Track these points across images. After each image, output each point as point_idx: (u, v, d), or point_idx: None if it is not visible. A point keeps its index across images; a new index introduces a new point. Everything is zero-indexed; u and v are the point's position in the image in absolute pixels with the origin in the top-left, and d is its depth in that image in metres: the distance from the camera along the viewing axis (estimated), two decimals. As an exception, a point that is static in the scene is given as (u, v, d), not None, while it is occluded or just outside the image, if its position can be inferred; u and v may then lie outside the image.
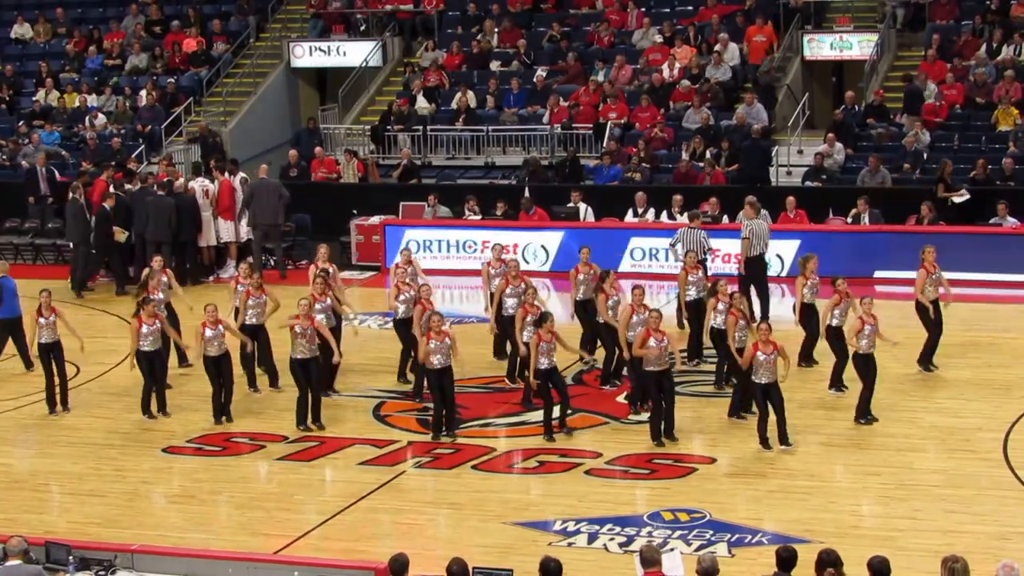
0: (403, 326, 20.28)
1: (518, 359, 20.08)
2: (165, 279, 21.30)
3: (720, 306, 19.16)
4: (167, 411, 19.64)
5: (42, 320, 19.79)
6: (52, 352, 19.86)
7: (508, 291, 20.31)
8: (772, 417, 17.48)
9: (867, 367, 18.30)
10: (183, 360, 21.07)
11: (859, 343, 18.25)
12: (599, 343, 20.46)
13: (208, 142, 32.46)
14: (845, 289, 19.30)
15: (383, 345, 21.81)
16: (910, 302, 20.53)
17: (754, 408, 17.90)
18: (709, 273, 22.23)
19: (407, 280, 20.65)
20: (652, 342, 17.74)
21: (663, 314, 18.43)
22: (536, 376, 18.15)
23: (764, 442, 17.55)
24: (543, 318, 18.27)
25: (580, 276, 20.81)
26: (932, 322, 20.29)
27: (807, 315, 20.27)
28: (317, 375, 18.99)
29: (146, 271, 21.67)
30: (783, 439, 17.53)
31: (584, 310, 20.74)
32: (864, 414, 18.38)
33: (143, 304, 19.58)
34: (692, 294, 20.87)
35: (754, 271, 22.73)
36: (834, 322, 19.32)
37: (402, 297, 20.26)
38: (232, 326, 19.82)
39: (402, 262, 21.54)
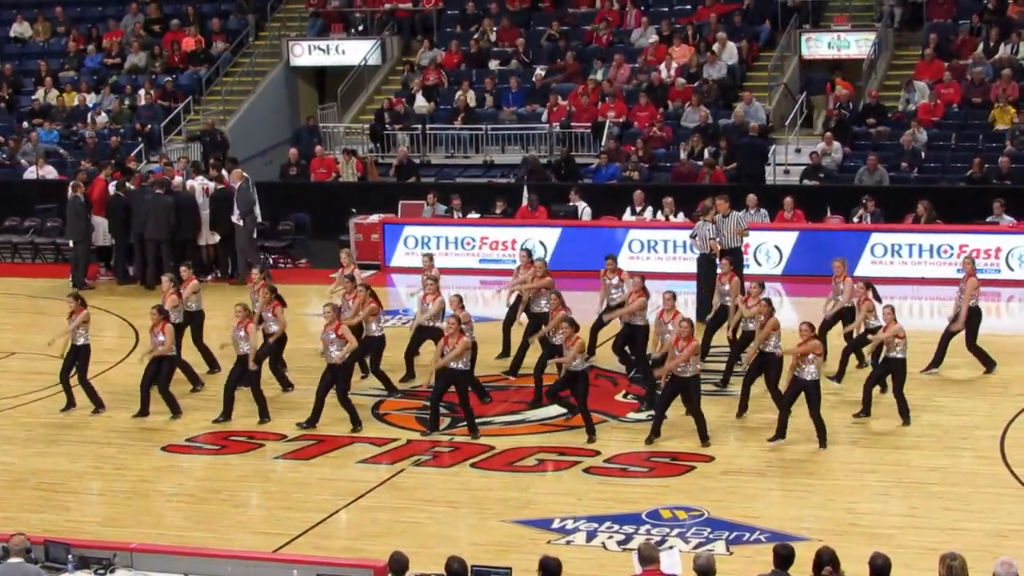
0: (425, 332, 20.40)
1: (523, 357, 20.39)
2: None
3: (747, 310, 19.22)
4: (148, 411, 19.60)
5: (72, 325, 19.60)
6: (79, 356, 19.69)
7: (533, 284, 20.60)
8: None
9: (895, 371, 18.36)
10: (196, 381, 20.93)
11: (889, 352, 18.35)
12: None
13: (216, 139, 32.46)
14: (866, 295, 19.38)
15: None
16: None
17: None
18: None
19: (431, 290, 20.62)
20: (676, 351, 17.82)
21: (693, 322, 18.47)
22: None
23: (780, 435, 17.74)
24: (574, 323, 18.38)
25: (609, 281, 20.80)
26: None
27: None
28: (346, 379, 18.96)
29: (167, 279, 21.30)
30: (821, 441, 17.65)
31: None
32: (903, 414, 18.39)
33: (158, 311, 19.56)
34: (716, 301, 20.69)
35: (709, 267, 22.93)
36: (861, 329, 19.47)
37: (427, 306, 20.40)
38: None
39: (425, 268, 21.43)
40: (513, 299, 21.41)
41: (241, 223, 27.13)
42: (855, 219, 26.67)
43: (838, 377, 19.75)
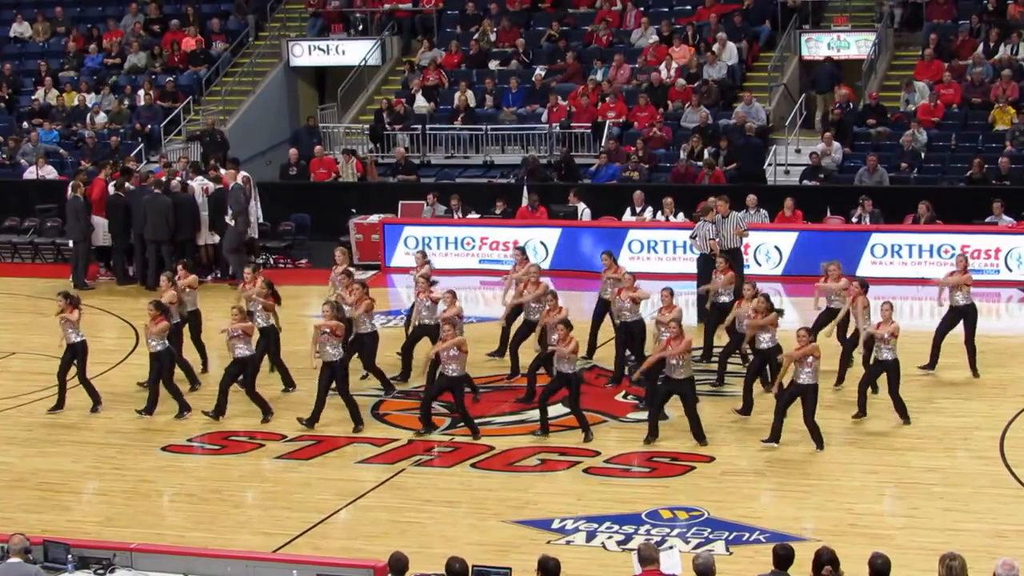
0: (422, 330, 20.36)
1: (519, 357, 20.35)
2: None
3: (742, 310, 19.29)
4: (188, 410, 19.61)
5: (63, 321, 19.59)
6: (75, 352, 19.67)
7: (527, 295, 20.50)
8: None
9: (888, 372, 18.35)
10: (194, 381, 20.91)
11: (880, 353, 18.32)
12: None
13: (216, 139, 32.44)
14: (860, 293, 19.39)
15: (382, 344, 21.79)
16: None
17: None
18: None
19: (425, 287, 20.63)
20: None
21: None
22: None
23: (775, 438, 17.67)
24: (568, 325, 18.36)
25: (607, 277, 20.88)
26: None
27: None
28: (343, 377, 18.95)
29: (165, 277, 21.33)
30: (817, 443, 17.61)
31: (605, 310, 20.88)
32: (902, 414, 18.37)
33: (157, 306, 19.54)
34: (724, 298, 20.65)
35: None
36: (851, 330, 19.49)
37: (422, 303, 20.40)
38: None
39: (417, 266, 21.49)
40: (509, 298, 21.29)
41: (232, 223, 27.13)
42: (854, 219, 26.69)
43: (838, 382, 19.72)
